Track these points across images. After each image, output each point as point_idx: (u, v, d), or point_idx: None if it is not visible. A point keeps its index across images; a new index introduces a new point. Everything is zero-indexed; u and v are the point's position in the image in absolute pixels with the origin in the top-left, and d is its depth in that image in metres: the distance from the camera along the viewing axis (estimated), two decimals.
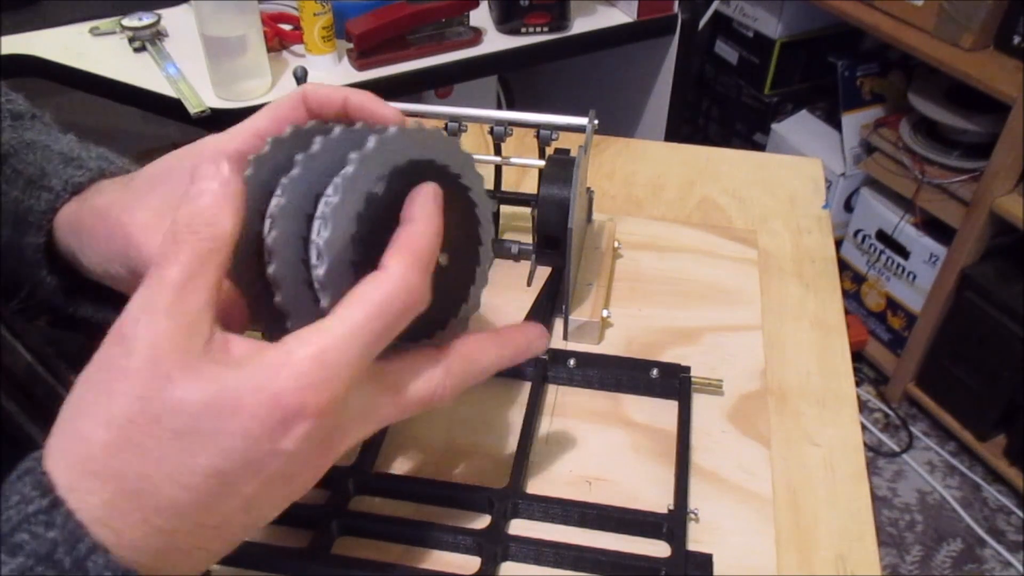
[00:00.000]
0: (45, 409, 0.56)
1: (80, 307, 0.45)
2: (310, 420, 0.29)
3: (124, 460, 0.27)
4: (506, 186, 0.60)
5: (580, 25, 1.28)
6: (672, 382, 0.52)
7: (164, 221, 0.33)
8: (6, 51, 1.13)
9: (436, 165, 0.36)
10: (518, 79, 1.75)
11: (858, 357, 1.76)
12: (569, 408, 0.52)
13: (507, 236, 0.62)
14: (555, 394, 0.53)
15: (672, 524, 0.44)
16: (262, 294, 0.35)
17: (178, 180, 0.38)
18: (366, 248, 0.33)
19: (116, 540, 0.26)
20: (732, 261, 0.63)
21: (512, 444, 0.48)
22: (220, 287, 0.30)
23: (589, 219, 0.63)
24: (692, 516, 0.44)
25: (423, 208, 0.34)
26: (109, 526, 0.26)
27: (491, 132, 0.56)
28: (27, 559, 0.25)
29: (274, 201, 0.33)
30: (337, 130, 0.34)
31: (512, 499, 0.45)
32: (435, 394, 0.35)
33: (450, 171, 0.36)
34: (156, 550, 0.27)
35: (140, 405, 0.27)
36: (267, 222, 0.33)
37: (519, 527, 0.45)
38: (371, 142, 0.33)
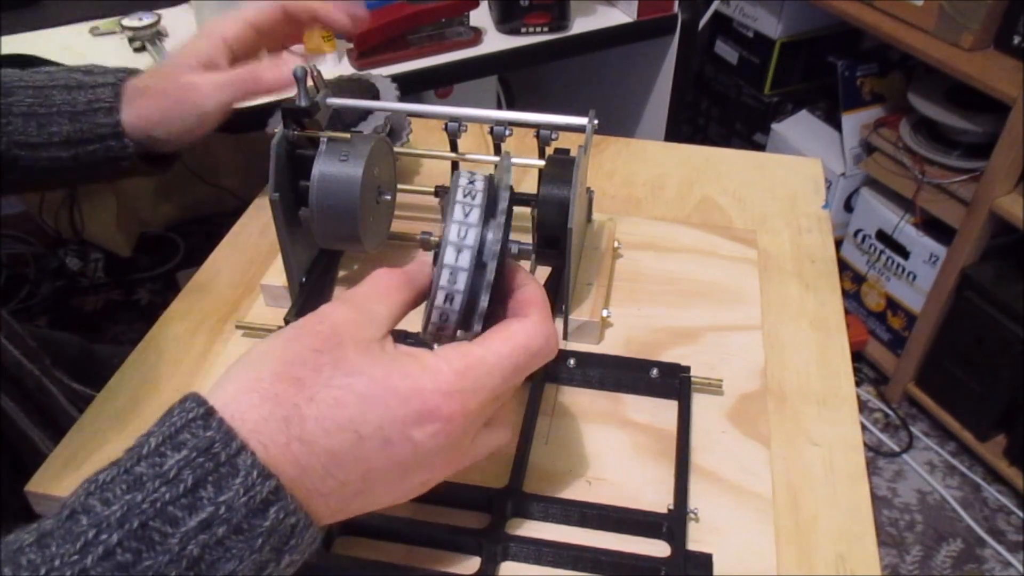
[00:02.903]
0: (37, 403, 0.57)
1: (141, 166, 0.62)
2: (441, 422, 0.34)
3: (284, 389, 0.33)
4: None
5: (580, 25, 1.28)
6: (672, 382, 0.52)
7: (212, 77, 0.59)
8: (6, 51, 1.13)
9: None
10: (518, 79, 1.75)
11: (858, 357, 1.76)
12: (569, 408, 0.52)
13: None
14: (555, 394, 0.53)
15: (672, 524, 0.44)
16: None
17: (200, 58, 0.59)
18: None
19: (263, 453, 0.31)
20: (732, 261, 0.63)
21: (512, 444, 0.48)
22: (403, 312, 0.38)
23: (589, 219, 0.63)
24: (692, 516, 0.44)
25: (528, 275, 0.40)
26: (259, 440, 0.31)
27: (491, 132, 0.56)
28: (190, 452, 0.30)
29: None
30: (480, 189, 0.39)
31: (512, 499, 0.45)
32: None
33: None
34: (290, 478, 0.32)
35: (313, 356, 0.34)
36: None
37: (519, 527, 0.45)
38: (503, 201, 0.39)
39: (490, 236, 0.37)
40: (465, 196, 0.38)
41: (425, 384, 0.34)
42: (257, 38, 0.60)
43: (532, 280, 0.40)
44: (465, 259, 0.37)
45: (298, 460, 0.32)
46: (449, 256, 0.37)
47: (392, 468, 0.34)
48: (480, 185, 0.38)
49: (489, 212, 0.38)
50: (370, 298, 0.37)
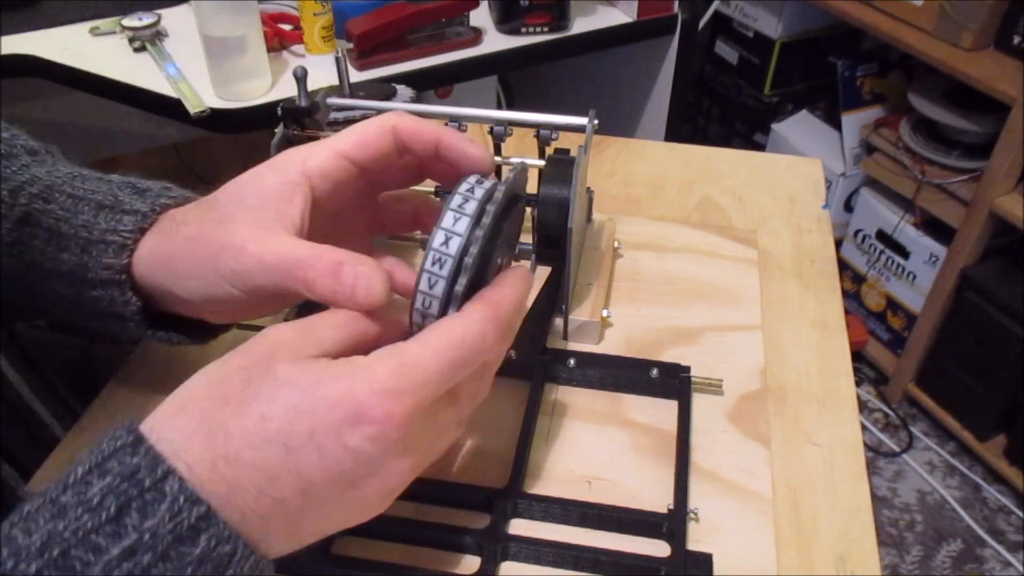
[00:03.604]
0: (15, 408, 0.56)
1: (158, 333, 0.46)
2: (378, 425, 0.32)
3: (209, 407, 0.31)
4: None
5: (580, 25, 1.28)
6: (672, 382, 0.52)
7: (273, 233, 0.38)
8: (6, 51, 1.13)
9: (519, 195, 0.41)
10: (518, 79, 1.75)
11: (858, 357, 1.76)
12: (569, 408, 0.52)
13: None
14: (555, 394, 0.53)
15: (672, 524, 0.44)
16: None
17: (267, 199, 0.39)
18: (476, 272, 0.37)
19: (188, 473, 0.30)
20: (732, 261, 0.63)
21: (512, 444, 0.48)
22: (354, 341, 0.35)
23: (589, 219, 0.63)
24: (692, 516, 0.44)
25: (513, 284, 0.38)
26: (183, 460, 0.30)
27: (491, 132, 0.56)
28: (114, 479, 0.29)
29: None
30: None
31: (512, 499, 0.45)
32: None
33: (519, 195, 0.43)
34: (221, 498, 0.30)
35: (242, 372, 0.32)
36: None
37: (519, 527, 0.45)
38: (501, 189, 0.38)
39: (470, 249, 0.37)
40: (460, 204, 0.38)
41: (357, 386, 0.32)
42: (356, 175, 0.41)
43: (503, 281, 0.38)
44: (445, 268, 0.37)
45: (226, 478, 0.31)
46: (429, 262, 0.37)
47: (333, 480, 0.32)
48: (479, 194, 0.38)
49: (477, 223, 0.38)
50: (323, 322, 0.35)
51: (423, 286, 0.37)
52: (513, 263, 0.53)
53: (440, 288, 0.36)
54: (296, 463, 0.31)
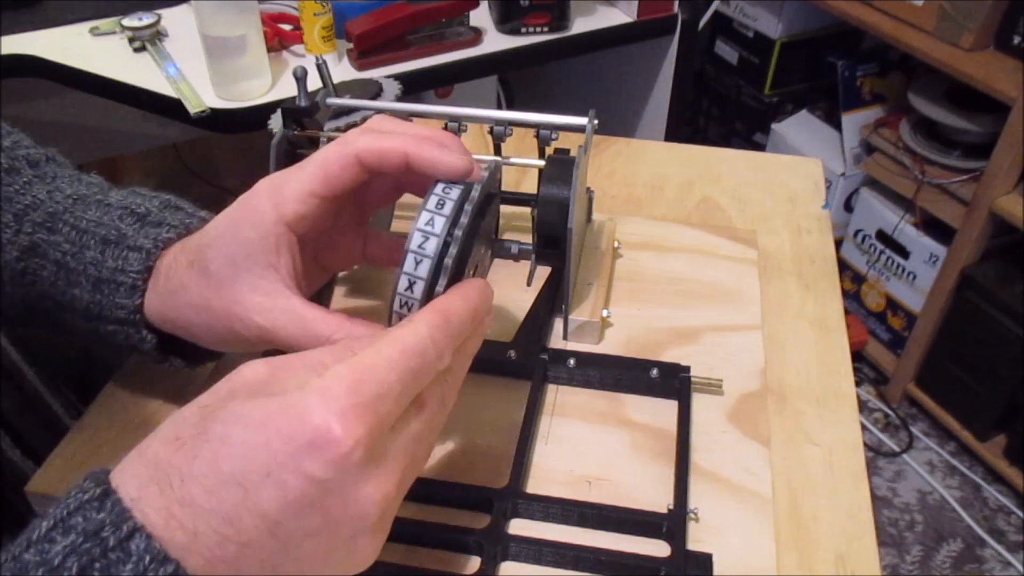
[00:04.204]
0: (30, 400, 0.57)
1: (175, 361, 0.48)
2: (338, 446, 0.29)
3: (164, 452, 0.30)
4: (506, 186, 0.60)
5: (580, 25, 1.28)
6: (672, 382, 0.52)
7: (274, 298, 0.39)
8: (6, 51, 1.13)
9: (493, 194, 0.42)
10: (518, 79, 1.75)
11: (858, 357, 1.76)
12: (569, 408, 0.52)
13: (507, 236, 0.62)
14: (555, 394, 0.53)
15: (672, 524, 0.44)
16: None
17: (255, 255, 0.40)
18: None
19: (145, 521, 0.28)
20: (732, 261, 0.63)
21: (512, 444, 0.48)
22: None
23: (589, 219, 0.63)
24: (692, 516, 0.44)
25: (464, 295, 0.36)
26: (140, 509, 0.29)
27: (491, 132, 0.56)
28: (77, 536, 0.28)
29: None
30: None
31: (512, 499, 0.45)
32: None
33: (493, 193, 0.43)
34: (181, 546, 0.28)
35: (198, 412, 0.31)
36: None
37: (519, 527, 0.45)
38: (477, 189, 0.38)
39: (450, 249, 0.37)
40: (437, 204, 0.37)
41: (312, 412, 0.29)
42: (329, 207, 0.41)
43: (454, 291, 0.37)
44: (422, 268, 0.36)
45: (183, 525, 0.28)
46: (407, 265, 0.36)
47: (300, 514, 0.30)
48: (455, 193, 0.38)
49: (454, 224, 0.37)
50: (303, 361, 0.33)
51: (401, 287, 0.36)
52: (513, 260, 0.53)
53: (419, 290, 0.36)
54: (256, 503, 0.29)
